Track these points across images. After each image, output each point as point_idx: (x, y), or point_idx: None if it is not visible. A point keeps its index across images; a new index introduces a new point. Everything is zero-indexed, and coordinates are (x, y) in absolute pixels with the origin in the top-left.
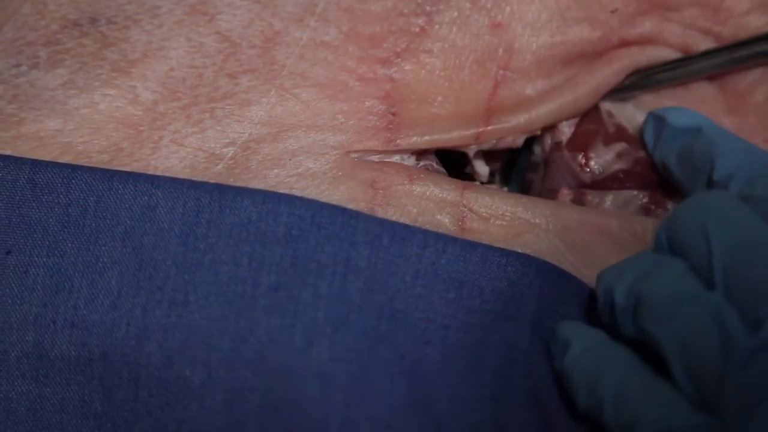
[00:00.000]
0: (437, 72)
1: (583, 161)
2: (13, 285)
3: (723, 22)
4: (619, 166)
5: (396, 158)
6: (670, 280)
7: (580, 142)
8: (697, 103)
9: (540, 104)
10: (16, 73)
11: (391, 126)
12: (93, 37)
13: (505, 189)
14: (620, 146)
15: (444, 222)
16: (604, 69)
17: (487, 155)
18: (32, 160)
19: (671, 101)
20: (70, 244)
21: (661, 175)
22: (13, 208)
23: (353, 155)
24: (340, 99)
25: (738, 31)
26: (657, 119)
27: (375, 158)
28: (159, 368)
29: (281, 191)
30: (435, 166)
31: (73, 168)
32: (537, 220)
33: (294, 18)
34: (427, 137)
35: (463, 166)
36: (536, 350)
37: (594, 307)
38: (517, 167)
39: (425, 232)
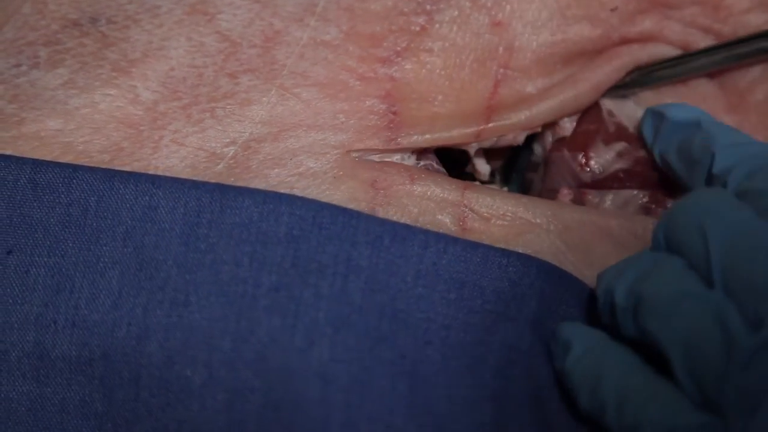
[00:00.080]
0: (438, 71)
1: (584, 161)
2: (14, 285)
3: (723, 20)
4: (619, 165)
5: (396, 158)
6: (669, 280)
7: (581, 142)
8: (697, 101)
9: (540, 101)
10: (17, 73)
11: (391, 125)
12: (93, 36)
13: (505, 189)
14: (620, 145)
15: (445, 222)
16: (604, 66)
17: (488, 154)
18: (33, 159)
19: (672, 99)
20: (71, 244)
21: (661, 174)
22: (15, 207)
23: (354, 154)
24: (341, 98)
25: (738, 30)
26: (655, 114)
27: (376, 158)
28: (160, 368)
29: (282, 191)
30: (435, 165)
31: (75, 168)
32: (538, 220)
33: (294, 17)
34: (428, 136)
35: (463, 165)
36: (537, 351)
37: (594, 308)
38: (518, 167)
39: (426, 233)
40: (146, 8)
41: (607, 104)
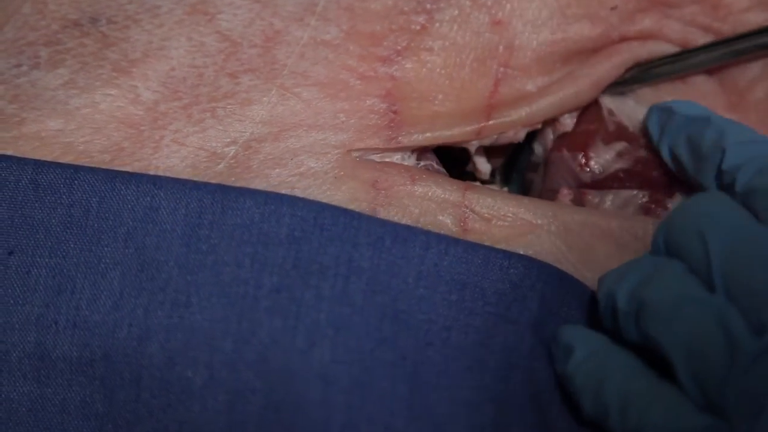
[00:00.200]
0: (438, 70)
1: (583, 161)
2: (15, 285)
3: (722, 18)
4: (619, 165)
5: (397, 158)
6: (671, 284)
7: (580, 142)
8: (697, 100)
9: (541, 98)
10: (17, 73)
11: (392, 124)
12: (94, 36)
13: (506, 189)
14: (620, 145)
15: (446, 223)
16: (604, 62)
17: (488, 152)
18: (35, 160)
19: (671, 97)
20: (72, 245)
21: (661, 174)
22: (16, 208)
23: (355, 154)
24: (341, 98)
25: (737, 28)
26: (663, 110)
27: (376, 157)
28: (161, 369)
29: (283, 191)
30: (435, 166)
31: (76, 168)
32: (539, 221)
33: (294, 17)
34: (428, 134)
35: (463, 165)
36: (538, 353)
37: (595, 310)
38: (518, 167)
39: (428, 234)
40: (146, 8)
41: (608, 103)
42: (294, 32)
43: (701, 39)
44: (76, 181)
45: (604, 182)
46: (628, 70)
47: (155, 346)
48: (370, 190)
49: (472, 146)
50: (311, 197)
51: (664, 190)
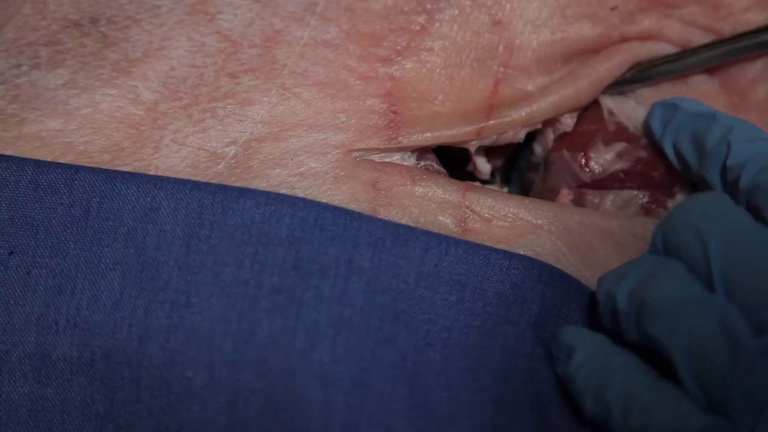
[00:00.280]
0: (438, 70)
1: (583, 161)
2: (15, 286)
3: (723, 18)
4: (619, 165)
5: (397, 158)
6: (672, 285)
7: (581, 142)
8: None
9: (541, 98)
10: (17, 73)
11: (392, 124)
12: (94, 37)
13: (506, 189)
14: (620, 146)
15: (446, 223)
16: (604, 62)
17: (488, 152)
18: (35, 160)
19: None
20: (72, 245)
21: (662, 174)
22: (16, 208)
23: (355, 154)
24: (342, 98)
25: (738, 28)
26: (667, 106)
27: (376, 158)
28: (161, 369)
29: (283, 191)
30: (435, 166)
31: (76, 169)
32: (539, 222)
33: (295, 17)
34: (428, 134)
35: (463, 165)
36: (538, 354)
37: (595, 311)
38: (518, 167)
39: (428, 234)
40: (147, 8)
41: (608, 104)
42: (294, 32)
43: (702, 39)
44: (76, 181)
45: (605, 182)
46: (628, 70)
47: (155, 347)
48: (370, 190)
49: (472, 146)
50: (311, 197)
51: (664, 191)
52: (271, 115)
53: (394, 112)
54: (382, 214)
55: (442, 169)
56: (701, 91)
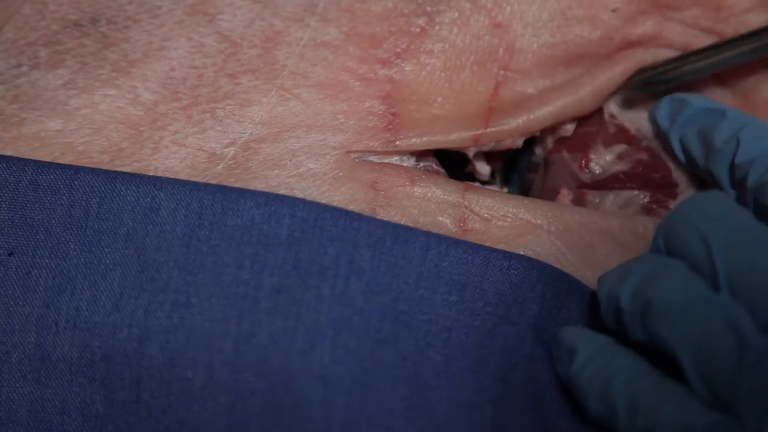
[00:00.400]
0: (438, 72)
1: (584, 162)
2: (15, 286)
3: (724, 20)
4: (619, 167)
5: (396, 159)
6: (676, 284)
7: (580, 143)
8: None
9: (541, 105)
10: (17, 74)
11: (391, 126)
12: (94, 37)
13: (505, 189)
14: (621, 148)
15: (445, 223)
16: (606, 70)
17: (488, 154)
18: (35, 161)
19: None
20: (72, 246)
21: (663, 176)
22: (16, 209)
23: (354, 155)
24: (341, 99)
25: (740, 30)
26: (675, 100)
27: (375, 158)
28: (161, 370)
29: (282, 192)
30: (434, 167)
31: (76, 169)
32: (538, 222)
33: (294, 18)
34: (426, 138)
35: (463, 165)
36: (538, 355)
37: (596, 310)
38: (518, 168)
39: (428, 234)
40: (146, 9)
41: (609, 106)
42: (294, 33)
43: (704, 42)
44: (76, 182)
45: (605, 183)
46: (631, 77)
47: (155, 347)
48: (369, 191)
49: (470, 152)
50: (310, 198)
51: (665, 191)
52: (271, 115)
53: (393, 114)
54: (382, 214)
55: (442, 170)
56: (704, 92)
